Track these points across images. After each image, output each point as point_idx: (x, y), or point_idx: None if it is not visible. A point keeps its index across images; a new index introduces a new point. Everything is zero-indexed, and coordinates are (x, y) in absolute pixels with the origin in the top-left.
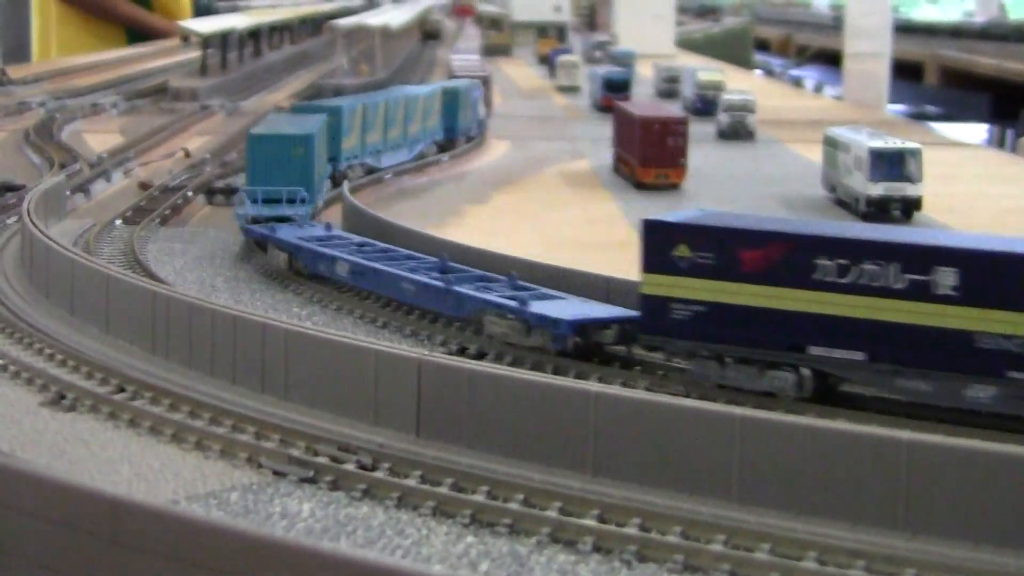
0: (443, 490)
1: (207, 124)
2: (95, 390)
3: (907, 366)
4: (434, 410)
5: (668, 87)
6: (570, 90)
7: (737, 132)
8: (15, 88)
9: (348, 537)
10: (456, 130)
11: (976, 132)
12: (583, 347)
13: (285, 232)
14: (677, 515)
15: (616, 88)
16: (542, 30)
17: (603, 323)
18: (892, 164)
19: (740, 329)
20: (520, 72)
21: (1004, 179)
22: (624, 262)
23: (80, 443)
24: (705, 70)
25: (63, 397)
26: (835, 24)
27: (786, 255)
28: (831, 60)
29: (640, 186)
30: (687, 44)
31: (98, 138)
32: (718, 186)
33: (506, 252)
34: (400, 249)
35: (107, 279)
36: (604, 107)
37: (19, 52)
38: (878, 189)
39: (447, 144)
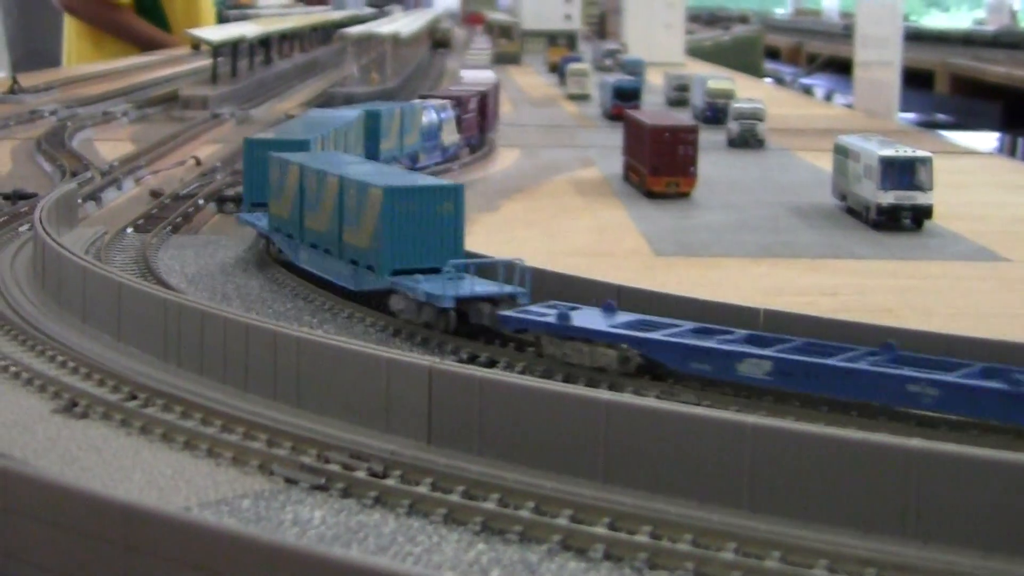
0: (454, 497)
1: (218, 132)
2: (107, 397)
3: None
4: (445, 418)
5: (678, 95)
6: (580, 98)
7: (747, 140)
8: (27, 96)
9: (359, 544)
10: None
11: (987, 140)
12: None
13: (582, 318)
14: (688, 523)
15: (626, 96)
16: (552, 38)
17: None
18: (903, 172)
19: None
20: (530, 80)
21: (1015, 187)
22: (631, 270)
23: (92, 450)
24: (715, 78)
25: (75, 404)
26: (845, 32)
27: None
28: (841, 68)
29: (650, 195)
30: (697, 52)
31: (109, 146)
32: (728, 194)
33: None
34: (792, 337)
35: (119, 287)
36: (614, 115)
37: (34, 59)
38: (888, 197)
39: None
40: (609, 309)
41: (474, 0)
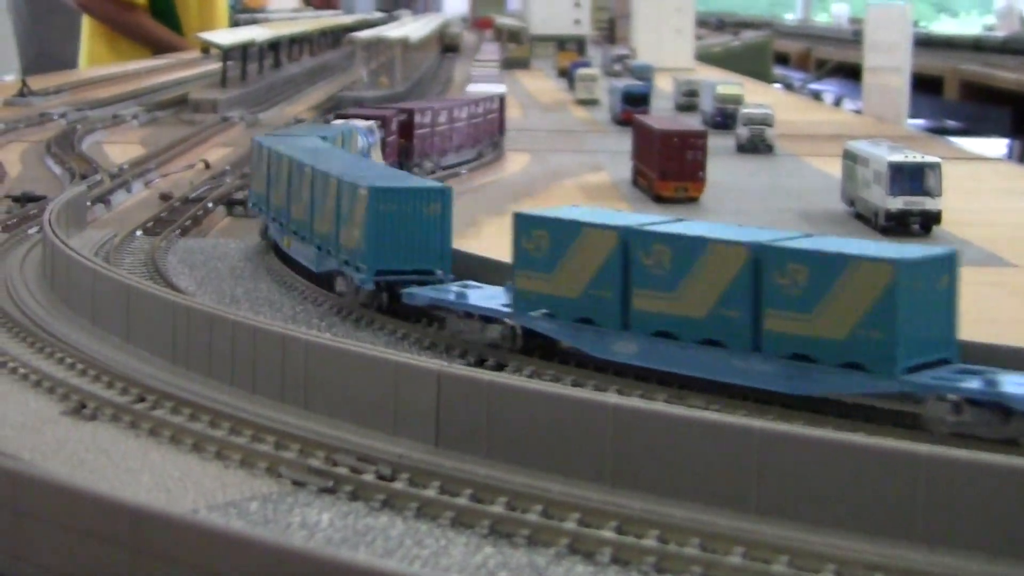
0: (462, 501)
1: (227, 136)
2: (116, 399)
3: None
4: (453, 421)
5: (687, 101)
6: (589, 103)
7: (756, 146)
8: (36, 99)
9: (367, 547)
10: None
11: (996, 146)
12: None
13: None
14: (695, 527)
15: (635, 101)
16: (561, 43)
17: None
18: (911, 178)
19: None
20: (539, 85)
21: None
22: None
23: (101, 452)
24: (724, 84)
25: (84, 406)
26: (855, 38)
27: None
28: (851, 74)
29: (659, 199)
30: (706, 58)
31: (118, 149)
32: (737, 200)
33: None
34: None
35: (128, 289)
36: (623, 120)
37: (46, 61)
38: (897, 203)
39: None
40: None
41: (483, 4)
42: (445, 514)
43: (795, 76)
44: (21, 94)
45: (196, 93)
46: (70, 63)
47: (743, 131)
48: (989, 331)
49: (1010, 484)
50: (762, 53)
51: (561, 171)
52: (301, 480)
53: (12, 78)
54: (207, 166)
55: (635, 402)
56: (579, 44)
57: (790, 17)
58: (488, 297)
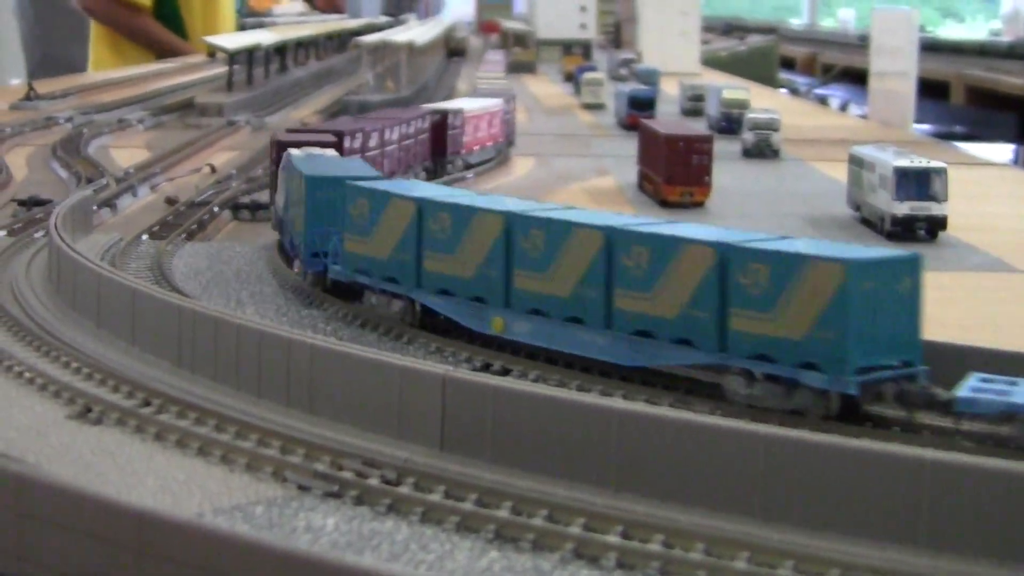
0: (467, 505)
1: (233, 139)
2: (121, 403)
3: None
4: (458, 426)
5: (693, 105)
6: (595, 107)
7: (762, 150)
8: (42, 103)
9: (372, 551)
10: None
11: (1003, 152)
12: None
13: None
14: (700, 532)
15: (641, 106)
16: (567, 47)
17: None
18: (917, 183)
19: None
20: (545, 89)
21: None
22: None
23: (106, 456)
24: (730, 88)
25: (89, 410)
26: (861, 43)
27: None
28: (857, 79)
29: (665, 204)
30: (712, 62)
31: (125, 153)
32: (742, 204)
33: None
34: None
35: (133, 293)
36: (629, 125)
37: (52, 65)
38: (903, 208)
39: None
40: None
41: (489, 9)
42: (450, 518)
43: (801, 81)
44: (27, 98)
45: (202, 97)
46: (77, 67)
47: (749, 136)
48: (997, 337)
49: (1015, 490)
50: (768, 58)
51: (567, 175)
52: (306, 484)
53: (18, 82)
54: (213, 170)
55: (640, 407)
56: (585, 48)
57: (796, 22)
58: None
